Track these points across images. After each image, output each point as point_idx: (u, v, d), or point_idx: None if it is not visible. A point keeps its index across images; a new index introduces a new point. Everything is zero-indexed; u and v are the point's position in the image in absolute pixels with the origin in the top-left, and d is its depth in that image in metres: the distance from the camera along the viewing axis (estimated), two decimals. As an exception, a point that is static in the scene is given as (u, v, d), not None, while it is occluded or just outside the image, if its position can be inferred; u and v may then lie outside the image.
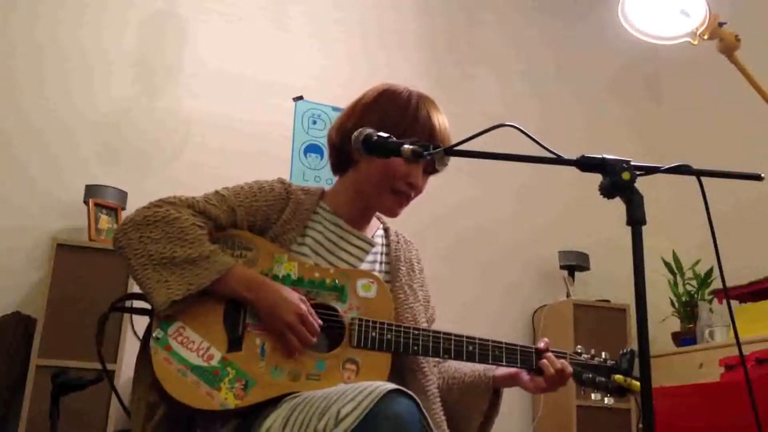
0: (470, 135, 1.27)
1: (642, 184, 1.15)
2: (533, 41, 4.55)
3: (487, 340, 1.53)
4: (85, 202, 3.25)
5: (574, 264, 4.04)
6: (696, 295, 3.86)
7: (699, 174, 1.23)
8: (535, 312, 4.06)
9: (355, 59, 4.07)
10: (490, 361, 1.53)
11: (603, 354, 1.64)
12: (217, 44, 3.83)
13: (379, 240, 1.65)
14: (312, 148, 3.85)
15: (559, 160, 1.20)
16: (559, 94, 4.49)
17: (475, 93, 4.25)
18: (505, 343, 1.54)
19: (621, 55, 4.42)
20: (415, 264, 1.69)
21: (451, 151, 1.31)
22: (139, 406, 1.40)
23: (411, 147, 1.31)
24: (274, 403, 1.33)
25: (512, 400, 3.60)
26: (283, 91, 3.84)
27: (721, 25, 2.32)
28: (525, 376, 1.57)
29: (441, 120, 1.56)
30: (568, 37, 4.58)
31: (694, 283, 3.89)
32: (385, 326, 1.47)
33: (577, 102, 4.52)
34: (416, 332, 1.49)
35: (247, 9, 3.94)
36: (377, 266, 1.61)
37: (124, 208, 3.31)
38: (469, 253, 4.02)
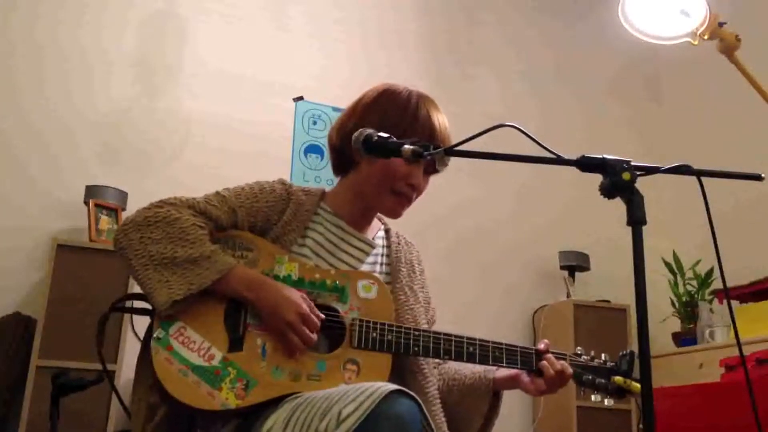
0: (470, 135, 1.27)
1: (642, 184, 1.15)
2: (533, 41, 4.55)
3: (487, 341, 1.53)
4: (86, 203, 3.25)
5: (575, 264, 4.04)
6: (696, 296, 3.86)
7: (699, 174, 1.23)
8: (536, 312, 4.05)
9: (355, 59, 4.07)
10: (490, 362, 1.53)
11: (603, 355, 1.64)
12: (218, 44, 3.83)
13: (380, 241, 1.65)
14: (312, 149, 3.85)
15: (559, 161, 1.20)
16: (559, 94, 4.49)
17: (475, 93, 4.25)
18: (506, 344, 1.54)
19: (621, 55, 4.42)
20: (416, 266, 1.68)
21: (452, 152, 1.31)
22: (139, 406, 1.40)
23: (411, 147, 1.31)
24: (275, 403, 1.33)
25: (512, 401, 3.59)
26: (284, 92, 3.84)
27: (721, 25, 2.32)
28: (525, 378, 1.57)
29: (441, 120, 1.56)
30: (568, 37, 4.58)
31: (694, 283, 3.89)
32: (386, 327, 1.47)
33: (577, 102, 4.52)
34: (417, 333, 1.49)
35: (247, 9, 3.94)
36: (378, 267, 1.61)
37: (124, 209, 3.31)
38: (469, 253, 4.02)
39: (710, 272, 3.81)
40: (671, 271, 3.93)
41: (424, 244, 1.85)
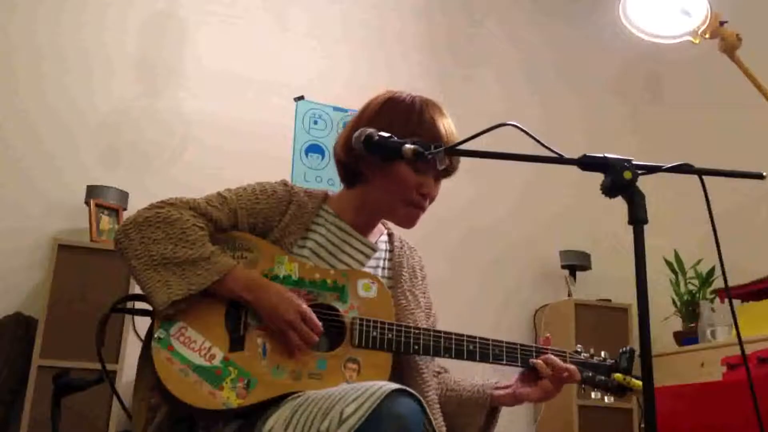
0: (471, 135, 1.26)
1: (643, 183, 1.15)
2: (534, 41, 4.55)
3: (487, 339, 1.53)
4: (86, 203, 3.25)
5: (576, 263, 4.04)
6: (698, 295, 3.86)
7: (701, 173, 1.23)
8: (537, 312, 4.05)
9: (356, 59, 4.07)
10: (490, 360, 1.52)
11: (602, 353, 1.64)
12: (218, 45, 3.83)
13: (382, 245, 1.64)
14: (313, 148, 3.85)
15: (560, 160, 1.20)
16: (560, 93, 4.49)
17: (476, 93, 4.25)
18: (506, 342, 1.54)
19: (622, 55, 4.41)
20: (418, 271, 1.68)
21: (452, 151, 1.31)
22: (140, 407, 1.40)
23: (412, 147, 1.31)
24: (276, 402, 1.33)
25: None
26: (284, 91, 3.84)
27: (722, 24, 2.31)
28: (526, 389, 1.53)
29: (446, 124, 1.54)
30: (568, 37, 4.58)
31: (695, 282, 3.88)
32: (386, 326, 1.47)
33: (578, 101, 4.52)
34: (416, 332, 1.49)
35: (247, 9, 3.94)
36: (380, 271, 1.60)
37: (125, 209, 3.31)
38: (470, 252, 4.02)
39: (712, 271, 3.81)
40: (672, 270, 3.93)
41: (425, 243, 1.85)
